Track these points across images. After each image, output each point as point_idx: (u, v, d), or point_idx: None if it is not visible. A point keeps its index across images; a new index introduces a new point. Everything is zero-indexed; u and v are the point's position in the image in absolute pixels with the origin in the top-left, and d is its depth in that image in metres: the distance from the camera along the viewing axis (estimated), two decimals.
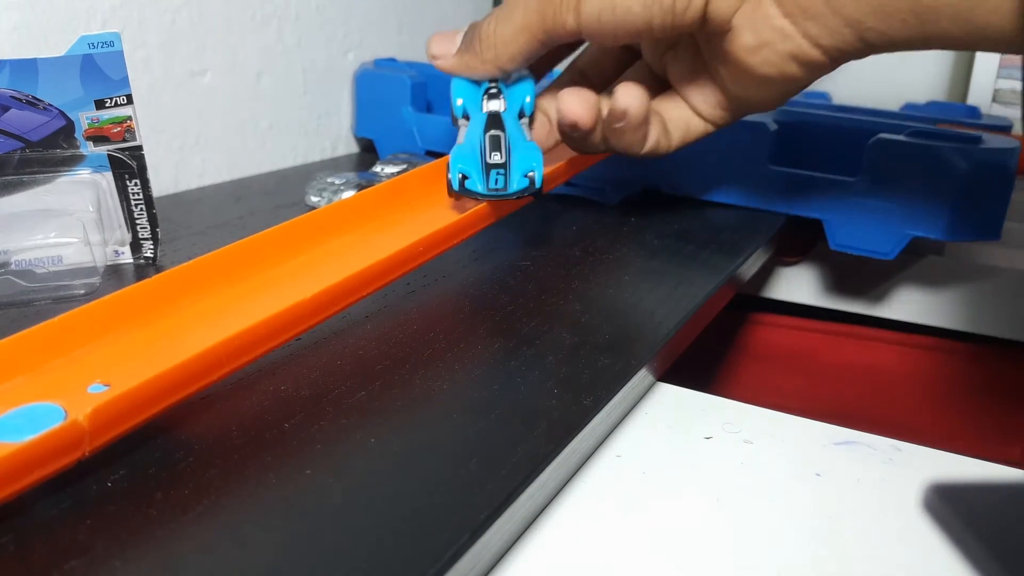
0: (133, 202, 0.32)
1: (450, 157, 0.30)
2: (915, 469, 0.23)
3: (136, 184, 0.32)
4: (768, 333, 0.47)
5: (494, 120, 0.31)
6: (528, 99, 0.32)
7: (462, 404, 0.22)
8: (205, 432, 0.21)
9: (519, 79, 0.33)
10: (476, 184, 0.30)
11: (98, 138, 0.31)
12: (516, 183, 0.30)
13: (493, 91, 0.33)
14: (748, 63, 0.29)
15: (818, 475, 0.22)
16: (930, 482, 0.22)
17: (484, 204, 0.30)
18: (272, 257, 0.26)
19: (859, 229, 0.40)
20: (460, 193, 0.30)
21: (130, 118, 0.31)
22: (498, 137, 0.31)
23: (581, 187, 0.45)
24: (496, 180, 0.30)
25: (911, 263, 0.45)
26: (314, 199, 0.41)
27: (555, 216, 0.41)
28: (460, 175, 0.30)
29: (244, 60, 0.49)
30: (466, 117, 0.32)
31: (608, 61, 0.37)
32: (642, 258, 0.35)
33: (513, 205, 0.31)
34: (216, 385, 0.21)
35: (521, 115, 0.33)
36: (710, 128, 0.34)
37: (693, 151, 0.39)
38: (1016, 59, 0.62)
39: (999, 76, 0.63)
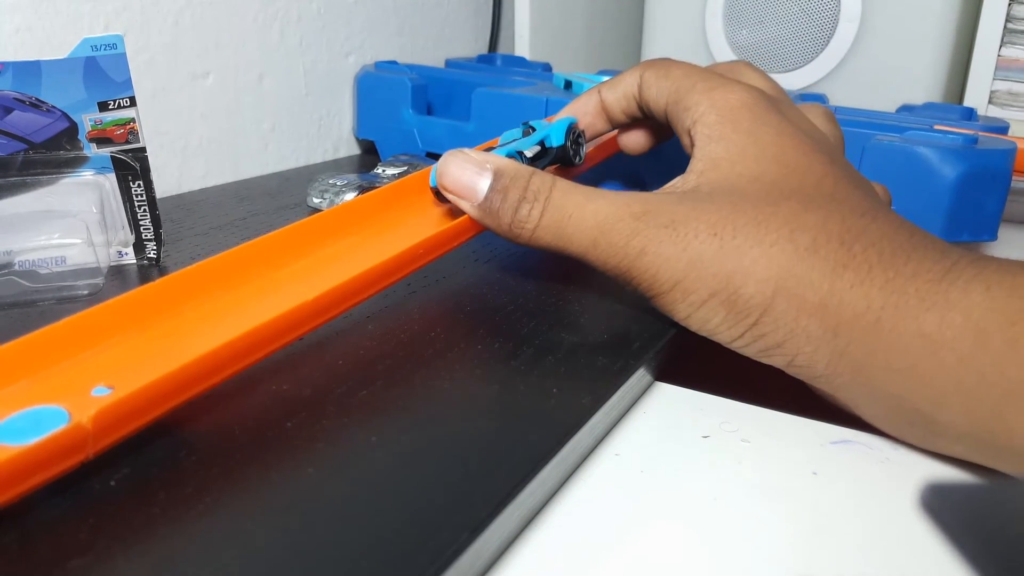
0: (136, 203, 0.33)
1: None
2: (912, 468, 0.23)
3: (139, 185, 0.32)
4: None
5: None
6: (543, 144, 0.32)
7: (462, 403, 0.23)
8: (207, 431, 0.21)
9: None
10: None
11: (101, 140, 0.31)
12: None
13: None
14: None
15: (815, 474, 0.22)
16: (927, 481, 0.22)
17: None
18: (274, 260, 0.27)
19: None
20: (434, 189, 0.30)
21: (133, 120, 0.32)
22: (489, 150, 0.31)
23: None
24: None
25: None
26: (316, 200, 0.41)
27: None
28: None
29: (246, 62, 0.49)
30: None
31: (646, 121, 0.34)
32: None
33: None
34: (219, 385, 0.21)
35: (543, 145, 0.33)
36: None
37: None
38: (1013, 60, 0.62)
39: (996, 78, 0.63)
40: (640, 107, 0.33)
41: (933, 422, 0.22)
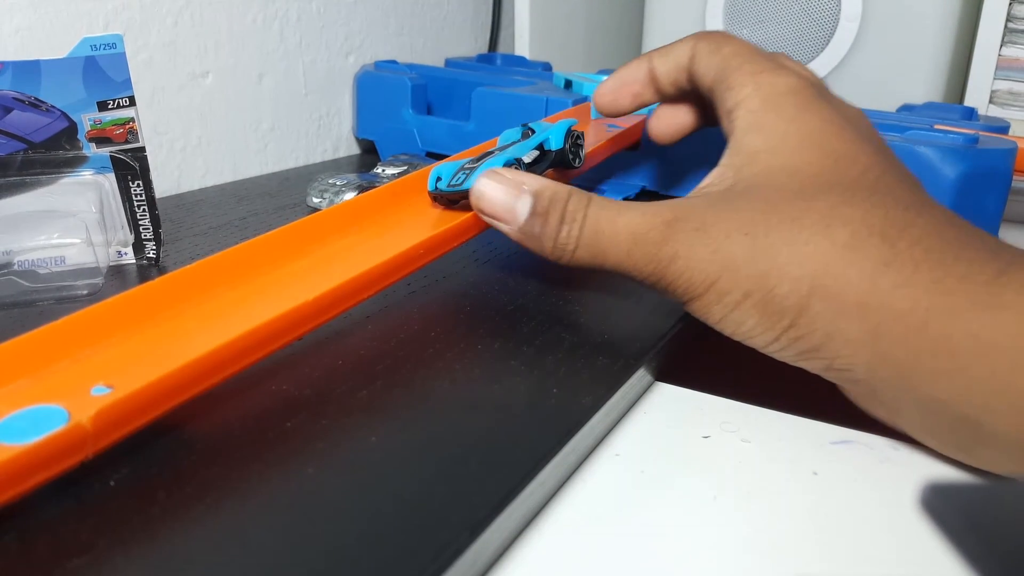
0: (136, 203, 0.33)
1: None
2: (912, 468, 0.23)
3: (139, 185, 0.32)
4: None
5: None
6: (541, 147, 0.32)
7: (462, 403, 0.23)
8: (207, 431, 0.21)
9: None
10: (443, 183, 0.30)
11: (101, 139, 0.31)
12: (474, 180, 0.29)
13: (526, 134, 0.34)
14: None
15: (815, 474, 0.22)
16: (927, 481, 0.22)
17: None
18: (275, 259, 0.27)
19: None
20: (432, 194, 0.31)
21: (132, 120, 0.32)
22: (488, 155, 0.31)
23: (580, 188, 0.45)
24: (458, 177, 0.30)
25: None
26: (315, 200, 0.41)
27: None
28: (436, 177, 0.31)
29: (246, 62, 0.49)
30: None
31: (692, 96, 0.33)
32: None
33: None
34: (219, 385, 0.21)
35: (541, 149, 0.33)
36: None
37: (691, 152, 0.40)
38: (1014, 60, 0.62)
39: (996, 77, 0.63)
40: (689, 80, 0.31)
41: (979, 429, 0.21)
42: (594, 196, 0.27)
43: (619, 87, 0.33)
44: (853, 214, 0.23)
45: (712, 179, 0.27)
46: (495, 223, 0.28)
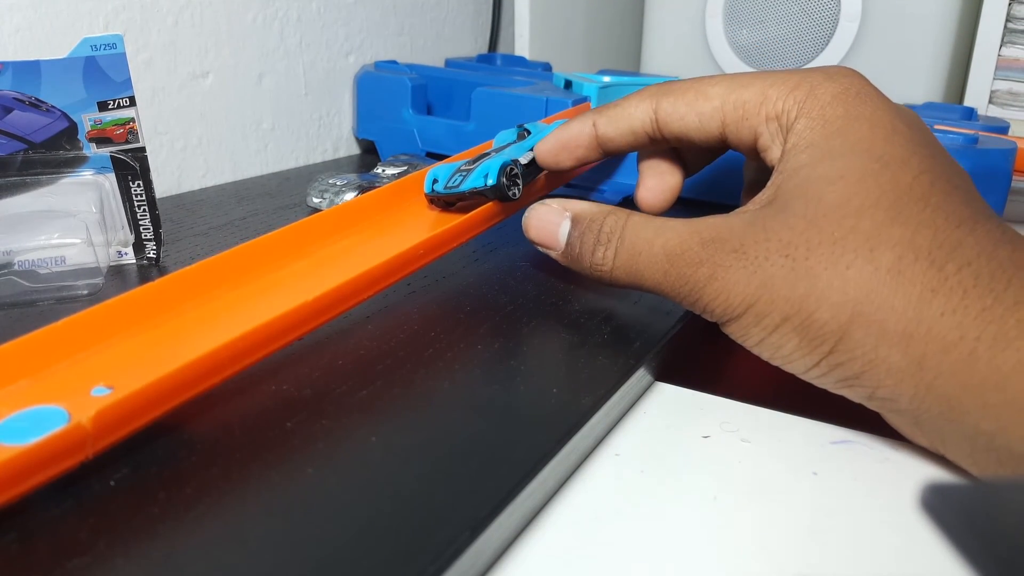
0: (136, 203, 0.33)
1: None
2: (912, 468, 0.23)
3: (139, 185, 0.32)
4: None
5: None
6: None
7: (462, 403, 0.23)
8: (207, 431, 0.21)
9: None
10: (440, 185, 0.31)
11: (101, 140, 0.31)
12: (471, 182, 0.30)
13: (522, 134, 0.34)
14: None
15: (815, 474, 0.22)
16: (927, 481, 0.22)
17: (488, 206, 0.30)
18: (275, 260, 0.27)
19: None
20: (429, 196, 0.32)
21: (133, 120, 0.32)
22: (484, 156, 0.32)
23: (580, 188, 0.45)
24: (454, 179, 0.31)
25: None
26: (316, 200, 0.41)
27: None
28: (432, 179, 0.32)
29: (246, 62, 0.49)
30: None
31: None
32: None
33: (492, 210, 0.31)
34: (219, 385, 0.21)
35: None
36: None
37: None
38: (1014, 60, 0.62)
39: (996, 77, 0.63)
40: (654, 140, 0.29)
41: None
42: (633, 215, 0.26)
43: (559, 149, 0.31)
44: (901, 235, 0.22)
45: (756, 198, 0.26)
46: (544, 250, 0.28)
